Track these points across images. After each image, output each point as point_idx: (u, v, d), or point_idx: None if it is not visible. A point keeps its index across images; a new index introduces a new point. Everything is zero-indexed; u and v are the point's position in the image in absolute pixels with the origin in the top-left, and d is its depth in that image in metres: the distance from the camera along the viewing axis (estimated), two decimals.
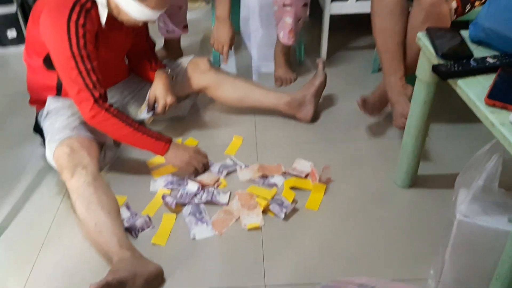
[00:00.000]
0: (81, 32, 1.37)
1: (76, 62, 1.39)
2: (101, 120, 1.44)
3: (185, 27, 2.17)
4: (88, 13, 1.40)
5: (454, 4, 1.43)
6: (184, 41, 2.31)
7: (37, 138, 1.69)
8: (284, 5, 1.91)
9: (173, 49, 2.22)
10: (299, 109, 1.82)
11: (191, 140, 1.78)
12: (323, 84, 1.86)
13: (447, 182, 1.48)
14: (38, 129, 1.64)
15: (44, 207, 1.51)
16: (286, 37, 2.02)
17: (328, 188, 1.53)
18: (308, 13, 2.00)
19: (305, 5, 1.92)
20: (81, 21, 1.38)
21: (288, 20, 1.95)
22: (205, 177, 1.56)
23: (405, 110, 1.56)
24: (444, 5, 1.41)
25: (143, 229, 1.41)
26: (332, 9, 2.14)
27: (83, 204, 1.32)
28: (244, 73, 2.22)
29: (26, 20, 2.44)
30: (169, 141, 1.51)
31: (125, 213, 1.44)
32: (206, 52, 2.28)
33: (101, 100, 1.43)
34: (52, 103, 1.57)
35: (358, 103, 1.67)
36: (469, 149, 1.29)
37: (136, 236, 1.39)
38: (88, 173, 1.36)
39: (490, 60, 1.10)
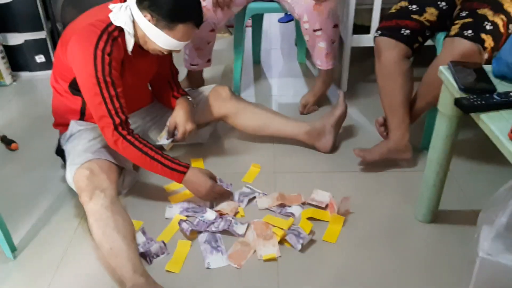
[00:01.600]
0: (107, 59, 1.41)
1: (101, 88, 1.42)
2: (121, 147, 1.46)
3: (209, 60, 2.20)
4: (115, 41, 1.44)
5: (486, 56, 1.42)
6: (206, 71, 2.34)
7: (59, 160, 1.71)
8: (314, 30, 1.92)
9: (195, 79, 2.26)
10: (319, 139, 1.81)
11: (200, 161, 1.79)
12: (344, 114, 1.86)
13: (470, 218, 1.45)
14: (60, 152, 1.67)
15: (61, 229, 1.52)
16: (324, 62, 2.03)
17: (347, 220, 1.51)
18: (339, 35, 2.01)
19: (335, 26, 1.94)
20: (107, 49, 1.41)
21: (322, 45, 1.96)
22: (225, 206, 1.55)
23: (383, 155, 1.69)
24: (476, 56, 1.40)
25: (157, 255, 1.40)
26: (353, 41, 2.16)
27: (100, 227, 1.32)
28: (264, 103, 2.24)
29: (54, 46, 2.52)
30: (184, 172, 1.50)
31: (140, 238, 1.43)
32: (228, 82, 2.31)
33: (120, 127, 1.45)
34: (75, 126, 1.60)
35: (377, 121, 1.75)
36: (492, 185, 1.27)
37: (151, 262, 1.38)
38: (106, 197, 1.37)
39: None
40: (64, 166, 1.61)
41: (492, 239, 1.04)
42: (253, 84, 2.43)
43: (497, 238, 1.04)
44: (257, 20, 2.53)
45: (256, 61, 2.64)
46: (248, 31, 2.69)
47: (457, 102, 1.12)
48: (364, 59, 2.53)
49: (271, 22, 3.12)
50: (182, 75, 2.15)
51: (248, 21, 2.85)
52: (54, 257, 1.41)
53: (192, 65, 2.19)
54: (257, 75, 2.52)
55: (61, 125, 1.67)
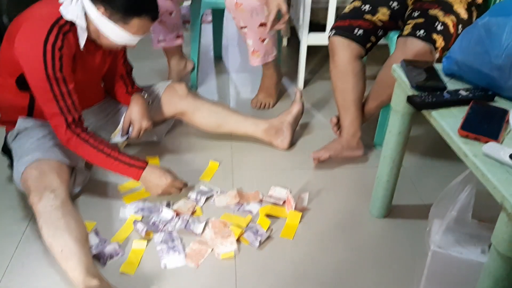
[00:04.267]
0: (57, 55, 1.35)
1: (51, 85, 1.36)
2: (74, 145, 1.42)
3: (179, 36, 2.12)
4: (66, 36, 1.38)
5: (437, 55, 1.46)
6: (162, 67, 2.29)
7: (5, 160, 1.63)
8: (241, 27, 1.92)
9: (175, 56, 2.17)
10: (276, 137, 1.82)
11: (156, 159, 1.77)
12: (301, 112, 1.87)
13: (422, 212, 1.49)
14: (6, 151, 1.59)
15: (9, 232, 1.44)
16: (251, 59, 2.02)
17: (304, 216, 1.52)
18: (274, 31, 2.01)
19: (261, 25, 1.91)
20: (58, 44, 1.36)
21: (249, 42, 1.96)
22: (181, 205, 1.53)
23: (336, 152, 1.71)
24: (428, 56, 1.44)
25: (112, 257, 1.36)
26: (309, 40, 2.18)
27: (50, 230, 1.27)
28: (223, 99, 2.23)
29: (1, 38, 2.40)
30: (142, 167, 1.47)
31: (93, 240, 1.39)
32: (185, 78, 2.27)
33: (73, 125, 1.40)
34: (22, 124, 1.53)
35: (331, 120, 1.78)
36: (443, 179, 1.31)
37: (105, 264, 1.34)
38: (56, 197, 1.32)
39: (463, 93, 1.12)
40: (10, 165, 1.53)
41: (443, 232, 1.08)
42: (213, 79, 2.40)
43: (447, 231, 1.08)
44: (218, 15, 2.50)
45: (217, 56, 2.62)
46: (209, 27, 2.66)
47: (409, 99, 1.15)
48: (321, 56, 2.56)
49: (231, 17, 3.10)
50: (142, 70, 2.09)
51: (209, 17, 2.83)
52: (1, 261, 1.34)
53: (159, 41, 2.10)
54: (218, 70, 2.50)
55: (8, 122, 1.59)
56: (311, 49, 2.22)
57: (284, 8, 1.76)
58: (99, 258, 1.34)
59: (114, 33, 1.40)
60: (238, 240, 1.41)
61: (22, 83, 1.45)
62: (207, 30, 2.71)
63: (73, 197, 1.53)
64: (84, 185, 1.60)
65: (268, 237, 1.43)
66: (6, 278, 1.30)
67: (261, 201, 1.57)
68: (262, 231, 1.44)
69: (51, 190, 1.33)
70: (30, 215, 1.48)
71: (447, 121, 1.05)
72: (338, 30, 1.63)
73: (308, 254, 1.39)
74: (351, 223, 1.51)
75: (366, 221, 1.52)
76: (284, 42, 2.77)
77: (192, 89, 2.23)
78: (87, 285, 1.17)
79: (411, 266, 1.32)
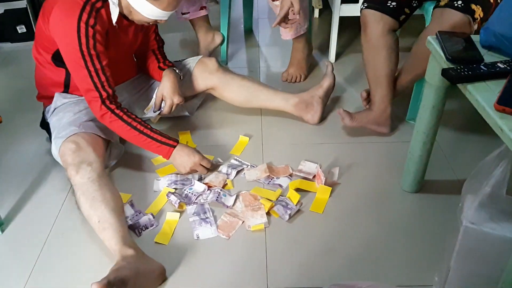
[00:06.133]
0: (91, 32, 1.38)
1: (86, 62, 1.39)
2: (109, 121, 1.46)
3: (203, 8, 2.12)
4: (98, 13, 1.40)
5: (475, 26, 1.41)
6: (193, 39, 2.30)
7: (44, 133, 1.69)
8: (273, 0, 1.89)
9: (201, 28, 2.17)
10: (307, 111, 1.81)
11: (188, 134, 1.78)
12: (332, 86, 1.85)
13: (455, 187, 1.47)
14: (45, 125, 1.65)
15: (48, 203, 1.51)
16: (283, 33, 2.00)
17: (334, 191, 1.52)
18: (306, 3, 1.97)
19: None
20: (91, 21, 1.38)
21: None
22: (213, 178, 1.56)
23: (362, 123, 1.68)
24: (466, 27, 1.39)
25: (146, 228, 1.40)
26: (341, 11, 2.13)
27: (87, 201, 1.32)
28: (253, 73, 2.22)
29: (36, 15, 2.45)
30: (173, 146, 1.50)
31: (129, 211, 1.44)
32: (215, 52, 2.27)
33: (108, 100, 1.44)
34: (59, 99, 1.58)
35: (361, 95, 1.77)
36: (477, 155, 1.28)
37: (139, 234, 1.39)
38: (93, 170, 1.36)
39: (501, 65, 1.08)
40: (49, 139, 1.59)
41: (476, 208, 1.06)
42: (243, 53, 2.40)
43: (480, 207, 1.06)
44: None
45: (248, 29, 2.60)
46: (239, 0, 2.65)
47: (444, 72, 1.12)
48: (354, 28, 2.50)
49: None
50: (173, 43, 2.11)
51: None
52: (42, 231, 1.41)
53: (183, 13, 2.11)
54: (248, 44, 2.49)
55: (45, 97, 1.64)
56: (343, 21, 2.18)
57: (296, 7, 1.70)
58: (134, 229, 1.39)
59: (145, 8, 1.41)
60: (268, 213, 1.43)
61: (58, 59, 1.49)
62: (237, 3, 2.68)
63: (108, 170, 1.58)
64: (119, 159, 1.65)
65: (298, 211, 1.45)
66: (47, 246, 1.37)
67: (291, 175, 1.58)
68: (292, 204, 1.45)
69: (87, 163, 1.37)
70: (68, 186, 1.54)
71: (483, 95, 1.02)
72: (371, 3, 1.59)
73: (337, 228, 1.40)
74: (382, 198, 1.50)
75: (398, 196, 1.51)
76: (316, 13, 2.72)
77: (222, 62, 2.23)
78: (123, 254, 1.22)
79: (442, 242, 1.31)
